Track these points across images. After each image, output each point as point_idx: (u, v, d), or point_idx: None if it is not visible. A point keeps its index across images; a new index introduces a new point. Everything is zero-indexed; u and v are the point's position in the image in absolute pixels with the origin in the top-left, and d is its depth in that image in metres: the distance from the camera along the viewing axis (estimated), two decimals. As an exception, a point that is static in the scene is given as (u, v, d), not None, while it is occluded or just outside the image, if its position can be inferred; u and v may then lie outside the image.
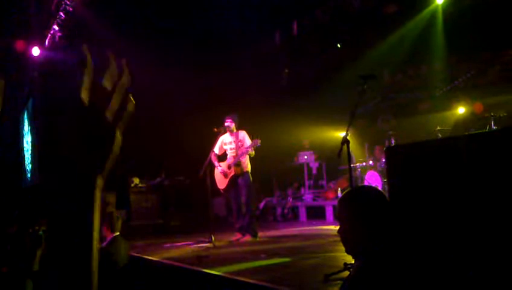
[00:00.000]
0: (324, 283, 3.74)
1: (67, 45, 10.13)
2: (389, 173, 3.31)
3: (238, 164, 7.12)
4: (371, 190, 1.97)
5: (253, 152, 7.12)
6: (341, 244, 2.09)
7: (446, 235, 2.60)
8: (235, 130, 7.34)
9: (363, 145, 9.74)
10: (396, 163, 2.96)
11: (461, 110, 7.76)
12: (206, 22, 10.22)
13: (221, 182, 7.30)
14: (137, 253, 6.15)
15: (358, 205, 1.87)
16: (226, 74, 10.99)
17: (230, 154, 7.31)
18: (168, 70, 10.14)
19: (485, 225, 2.53)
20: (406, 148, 3.03)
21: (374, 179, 8.93)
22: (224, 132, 7.36)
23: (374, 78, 4.88)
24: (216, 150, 7.35)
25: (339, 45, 10.66)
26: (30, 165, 12.35)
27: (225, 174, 7.21)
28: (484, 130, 6.40)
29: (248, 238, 7.05)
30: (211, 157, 7.19)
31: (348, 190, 1.99)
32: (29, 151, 12.43)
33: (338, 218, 1.95)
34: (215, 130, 7.33)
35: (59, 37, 10.09)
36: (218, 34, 10.53)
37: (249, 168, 7.22)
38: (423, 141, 3.02)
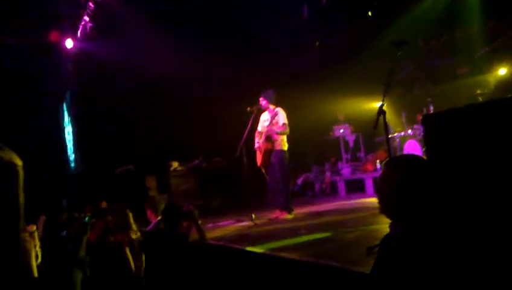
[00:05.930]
0: (367, 255, 3.73)
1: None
2: (427, 142, 3.22)
3: (268, 139, 7.15)
4: (420, 159, 2.10)
5: (288, 130, 7.14)
6: (382, 216, 2.10)
7: (487, 205, 2.52)
8: (271, 107, 7.35)
9: (400, 114, 9.51)
10: (434, 131, 2.87)
11: (502, 71, 7.41)
12: (233, 2, 10.14)
13: (258, 159, 7.38)
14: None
15: (407, 172, 1.97)
16: (257, 53, 10.92)
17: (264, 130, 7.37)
18: (201, 54, 10.14)
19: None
20: (443, 115, 2.92)
21: (413, 149, 8.74)
22: (259, 111, 7.40)
23: (406, 43, 4.71)
24: (259, 128, 7.47)
25: (370, 13, 10.35)
26: (73, 155, 12.76)
27: (259, 149, 7.31)
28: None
29: (285, 215, 7.09)
30: (246, 137, 7.26)
31: (399, 155, 2.15)
32: (71, 142, 12.83)
33: (381, 177, 2.06)
34: (249, 109, 7.38)
35: (90, 28, 10.23)
36: (246, 13, 10.43)
37: (283, 146, 7.21)
38: (462, 107, 2.90)
